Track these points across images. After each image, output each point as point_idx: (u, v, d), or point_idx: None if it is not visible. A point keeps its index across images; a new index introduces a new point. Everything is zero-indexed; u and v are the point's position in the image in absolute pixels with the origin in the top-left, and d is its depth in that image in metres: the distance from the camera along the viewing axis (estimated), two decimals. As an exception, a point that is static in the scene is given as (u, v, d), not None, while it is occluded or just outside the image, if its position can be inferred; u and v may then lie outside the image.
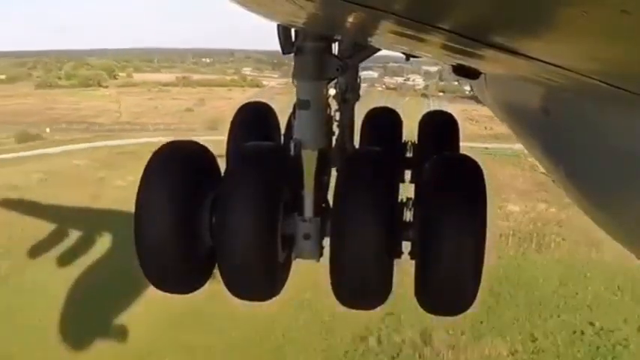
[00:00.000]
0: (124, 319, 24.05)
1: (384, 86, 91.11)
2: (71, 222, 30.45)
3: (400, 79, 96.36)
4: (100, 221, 30.57)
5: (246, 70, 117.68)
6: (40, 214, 31.62)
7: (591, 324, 18.92)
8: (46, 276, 26.29)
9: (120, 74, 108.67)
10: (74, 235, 30.32)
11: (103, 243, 29.54)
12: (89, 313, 23.99)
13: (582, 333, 18.49)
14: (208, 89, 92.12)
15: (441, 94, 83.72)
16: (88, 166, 40.55)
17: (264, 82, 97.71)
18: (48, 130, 60.67)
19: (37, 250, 29.15)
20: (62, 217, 31.04)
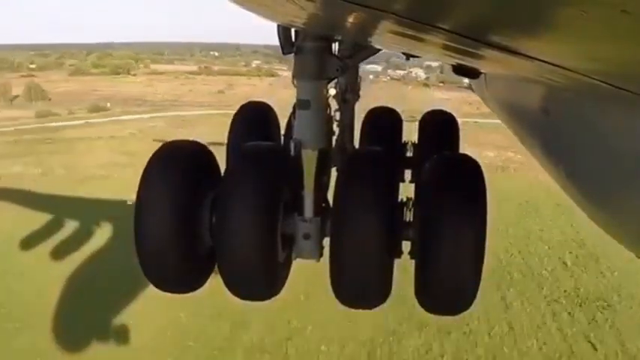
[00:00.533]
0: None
1: (388, 77, 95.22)
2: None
3: (402, 72, 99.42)
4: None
5: (256, 63, 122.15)
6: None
7: (527, 202, 30.89)
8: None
9: (138, 65, 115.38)
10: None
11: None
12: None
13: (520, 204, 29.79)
14: (228, 77, 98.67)
15: (441, 84, 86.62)
16: (163, 127, 47.70)
17: (279, 73, 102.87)
18: (109, 104, 67.07)
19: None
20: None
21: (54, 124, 52.20)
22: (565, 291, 23.12)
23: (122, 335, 21.13)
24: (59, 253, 26.38)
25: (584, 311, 21.49)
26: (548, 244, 27.86)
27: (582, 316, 21.17)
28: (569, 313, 21.39)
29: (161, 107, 63.67)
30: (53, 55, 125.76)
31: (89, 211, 29.94)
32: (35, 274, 23.80)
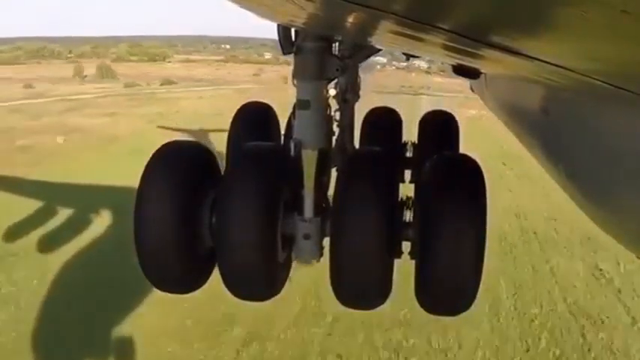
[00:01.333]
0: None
1: (394, 67, 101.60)
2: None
3: (406, 63, 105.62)
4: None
5: (268, 55, 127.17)
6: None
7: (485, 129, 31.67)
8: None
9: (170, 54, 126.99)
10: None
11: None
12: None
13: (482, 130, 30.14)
14: (251, 65, 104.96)
15: (441, 72, 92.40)
16: (230, 94, 51.23)
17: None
18: (175, 79, 72.09)
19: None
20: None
21: (144, 91, 58.53)
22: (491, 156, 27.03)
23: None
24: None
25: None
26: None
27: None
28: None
29: (215, 83, 68.89)
30: (87, 45, 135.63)
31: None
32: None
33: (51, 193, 19.61)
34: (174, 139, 3.24)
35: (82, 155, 25.88)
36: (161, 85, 62.64)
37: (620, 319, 11.86)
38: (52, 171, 22.38)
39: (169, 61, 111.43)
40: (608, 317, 11.81)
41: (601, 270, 14.27)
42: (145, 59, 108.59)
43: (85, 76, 71.58)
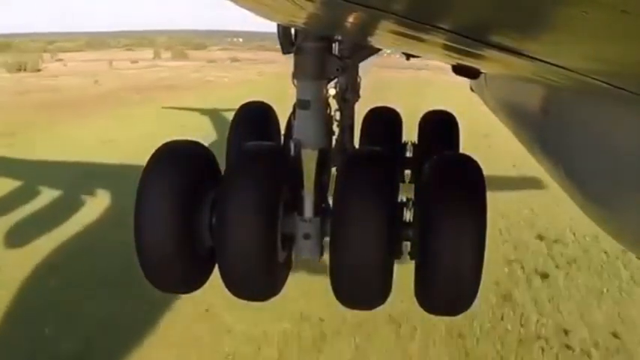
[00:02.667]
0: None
1: (398, 56, 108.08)
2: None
3: None
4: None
5: None
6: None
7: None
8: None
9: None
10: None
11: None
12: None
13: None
14: (276, 52, 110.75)
15: None
16: (275, 66, 52.65)
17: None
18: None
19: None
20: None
21: (225, 63, 67.40)
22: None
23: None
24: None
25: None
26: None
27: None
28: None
29: (261, 62, 72.49)
30: (129, 38, 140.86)
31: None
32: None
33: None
34: (174, 139, 3.24)
35: (234, 87, 37.64)
36: (232, 62, 71.80)
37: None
38: (226, 91, 33.84)
39: (209, 50, 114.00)
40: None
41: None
42: (189, 47, 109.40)
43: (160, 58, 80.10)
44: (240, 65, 63.96)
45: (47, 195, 13.09)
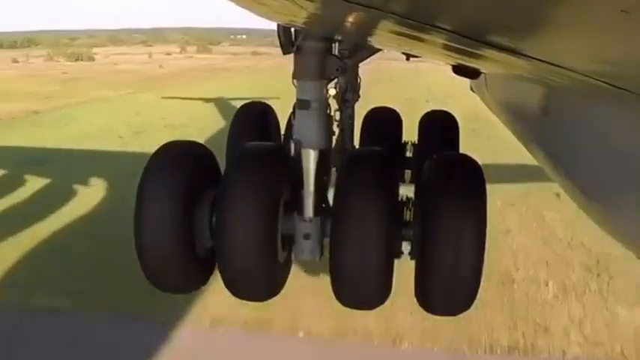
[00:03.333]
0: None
1: None
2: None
3: None
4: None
5: None
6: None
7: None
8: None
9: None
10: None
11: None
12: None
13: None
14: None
15: None
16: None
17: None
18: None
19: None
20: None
21: (250, 55, 76.60)
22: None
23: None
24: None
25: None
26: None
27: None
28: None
29: (275, 56, 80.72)
30: (143, 35, 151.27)
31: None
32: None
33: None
34: (174, 139, 3.24)
35: (268, 70, 42.25)
36: (253, 55, 77.37)
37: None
38: (266, 72, 39.56)
39: (223, 46, 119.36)
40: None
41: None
42: (205, 43, 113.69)
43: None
44: (262, 57, 69.26)
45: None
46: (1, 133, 17.19)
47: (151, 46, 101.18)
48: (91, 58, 61.72)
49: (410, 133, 5.62)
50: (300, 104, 3.31)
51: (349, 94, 5.23)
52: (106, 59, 60.67)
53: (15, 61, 56.70)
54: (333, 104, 4.15)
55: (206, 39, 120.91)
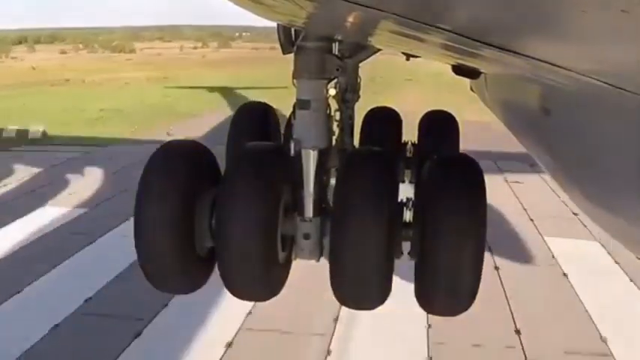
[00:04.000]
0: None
1: None
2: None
3: None
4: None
5: None
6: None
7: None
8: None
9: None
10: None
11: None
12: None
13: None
14: None
15: None
16: None
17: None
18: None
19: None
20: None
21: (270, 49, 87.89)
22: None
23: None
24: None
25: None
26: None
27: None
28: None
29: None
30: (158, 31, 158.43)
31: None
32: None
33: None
34: (174, 139, 3.23)
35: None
36: (270, 50, 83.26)
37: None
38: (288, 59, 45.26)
39: (236, 42, 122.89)
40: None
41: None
42: (223, 39, 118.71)
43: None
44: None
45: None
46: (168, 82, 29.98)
47: (169, 41, 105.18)
48: (133, 51, 70.97)
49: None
50: (300, 104, 3.31)
51: (349, 94, 5.21)
52: (143, 52, 66.39)
53: (63, 52, 64.01)
54: (333, 104, 4.14)
55: (223, 35, 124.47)
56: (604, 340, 8.72)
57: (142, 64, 48.01)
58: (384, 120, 5.56)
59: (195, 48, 77.48)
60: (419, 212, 3.00)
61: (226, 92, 35.69)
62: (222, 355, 8.02)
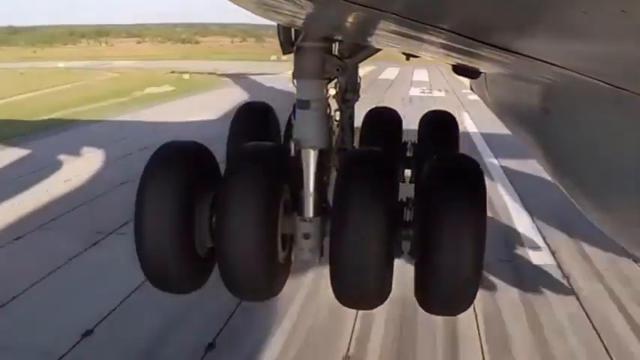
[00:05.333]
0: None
1: None
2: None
3: None
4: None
5: None
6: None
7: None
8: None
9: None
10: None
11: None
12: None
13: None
14: None
15: None
16: None
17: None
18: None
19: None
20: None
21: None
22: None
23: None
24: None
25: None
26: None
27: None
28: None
29: None
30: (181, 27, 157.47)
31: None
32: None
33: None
34: (173, 139, 3.24)
35: None
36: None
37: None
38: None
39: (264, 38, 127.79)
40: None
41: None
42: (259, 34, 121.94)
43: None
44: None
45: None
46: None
47: (205, 36, 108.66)
48: (198, 42, 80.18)
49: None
50: (300, 104, 3.31)
51: (349, 94, 5.23)
52: (205, 44, 77.01)
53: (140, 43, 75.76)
54: (333, 104, 4.15)
55: (249, 32, 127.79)
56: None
57: (219, 53, 56.47)
58: (384, 120, 5.56)
59: (241, 41, 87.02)
60: (419, 212, 3.00)
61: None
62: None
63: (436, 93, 23.76)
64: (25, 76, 30.88)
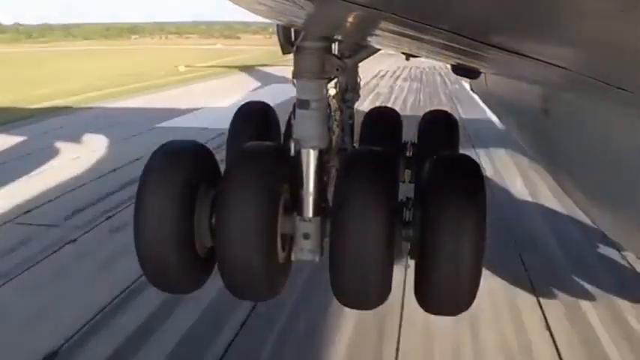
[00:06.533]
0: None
1: None
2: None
3: None
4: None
5: None
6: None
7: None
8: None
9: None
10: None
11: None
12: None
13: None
14: None
15: None
16: None
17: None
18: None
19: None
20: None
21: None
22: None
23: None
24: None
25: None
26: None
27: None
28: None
29: None
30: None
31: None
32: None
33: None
34: (173, 139, 3.24)
35: None
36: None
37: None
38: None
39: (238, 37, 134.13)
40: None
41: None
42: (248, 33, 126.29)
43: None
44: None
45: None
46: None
47: (204, 37, 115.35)
48: (238, 37, 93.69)
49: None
50: (300, 104, 3.31)
51: (349, 94, 5.23)
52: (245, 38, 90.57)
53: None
54: (333, 104, 4.15)
55: (250, 30, 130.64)
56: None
57: (258, 45, 62.37)
58: (384, 120, 5.56)
59: (265, 38, 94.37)
60: (419, 212, 3.00)
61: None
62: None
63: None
64: (216, 51, 49.39)
